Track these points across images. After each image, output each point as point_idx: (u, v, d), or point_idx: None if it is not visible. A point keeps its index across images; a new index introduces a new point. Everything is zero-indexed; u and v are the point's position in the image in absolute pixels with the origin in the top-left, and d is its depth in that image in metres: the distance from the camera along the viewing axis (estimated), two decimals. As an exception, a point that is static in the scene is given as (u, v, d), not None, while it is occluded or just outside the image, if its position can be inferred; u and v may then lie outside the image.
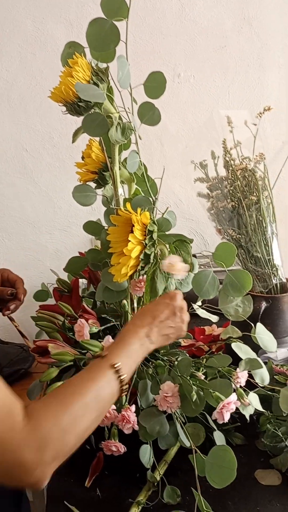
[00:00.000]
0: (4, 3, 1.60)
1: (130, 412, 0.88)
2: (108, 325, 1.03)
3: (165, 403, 0.88)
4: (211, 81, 1.77)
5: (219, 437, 0.87)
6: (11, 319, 1.42)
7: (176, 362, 0.98)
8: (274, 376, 1.09)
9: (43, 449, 0.60)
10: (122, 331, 0.81)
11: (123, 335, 0.80)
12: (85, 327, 0.95)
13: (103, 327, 1.00)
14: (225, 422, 0.84)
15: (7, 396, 0.62)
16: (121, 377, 0.72)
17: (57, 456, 0.62)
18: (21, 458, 0.59)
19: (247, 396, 0.89)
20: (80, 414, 0.66)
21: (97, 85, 0.86)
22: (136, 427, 0.88)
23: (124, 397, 0.91)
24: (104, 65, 0.90)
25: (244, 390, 0.90)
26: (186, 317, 0.87)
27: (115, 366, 0.72)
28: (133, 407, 0.89)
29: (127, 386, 0.75)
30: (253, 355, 0.91)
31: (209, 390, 0.87)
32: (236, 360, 0.92)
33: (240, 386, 0.89)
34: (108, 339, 0.92)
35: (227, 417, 0.84)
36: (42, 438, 0.61)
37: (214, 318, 1.09)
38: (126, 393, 0.77)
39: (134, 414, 0.89)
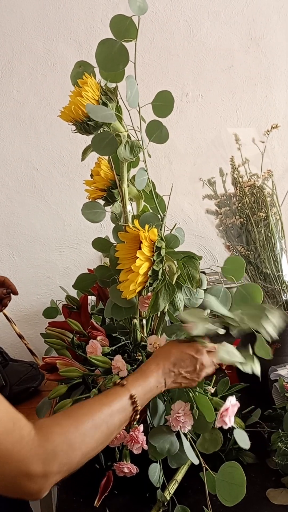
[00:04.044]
0: (15, 25, 1.64)
1: (139, 432, 0.88)
2: (119, 344, 1.02)
3: (178, 423, 0.88)
4: (219, 100, 1.79)
5: (239, 434, 0.87)
6: (21, 337, 1.43)
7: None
8: (286, 394, 1.08)
9: (50, 461, 0.62)
10: (145, 364, 0.84)
11: (145, 370, 0.83)
12: (98, 348, 0.95)
13: (114, 347, 1.00)
14: (230, 427, 0.85)
15: (10, 410, 0.64)
16: (136, 408, 0.76)
17: (60, 470, 0.64)
18: (27, 468, 0.61)
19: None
20: (90, 434, 0.68)
21: (106, 105, 0.87)
22: (145, 447, 0.88)
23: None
24: (113, 85, 0.91)
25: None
26: (204, 373, 0.88)
27: (133, 396, 0.76)
28: (141, 427, 0.89)
29: (138, 416, 0.78)
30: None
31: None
32: (244, 378, 0.91)
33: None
34: (118, 358, 0.92)
35: (230, 422, 0.84)
36: (50, 451, 0.63)
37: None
38: (135, 422, 0.79)
39: (143, 433, 0.88)
